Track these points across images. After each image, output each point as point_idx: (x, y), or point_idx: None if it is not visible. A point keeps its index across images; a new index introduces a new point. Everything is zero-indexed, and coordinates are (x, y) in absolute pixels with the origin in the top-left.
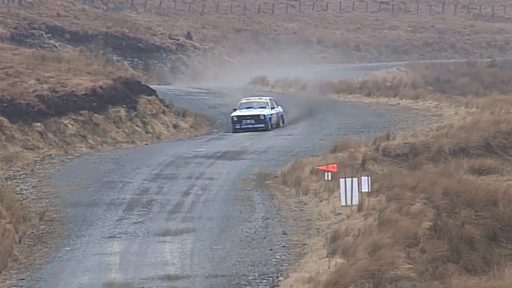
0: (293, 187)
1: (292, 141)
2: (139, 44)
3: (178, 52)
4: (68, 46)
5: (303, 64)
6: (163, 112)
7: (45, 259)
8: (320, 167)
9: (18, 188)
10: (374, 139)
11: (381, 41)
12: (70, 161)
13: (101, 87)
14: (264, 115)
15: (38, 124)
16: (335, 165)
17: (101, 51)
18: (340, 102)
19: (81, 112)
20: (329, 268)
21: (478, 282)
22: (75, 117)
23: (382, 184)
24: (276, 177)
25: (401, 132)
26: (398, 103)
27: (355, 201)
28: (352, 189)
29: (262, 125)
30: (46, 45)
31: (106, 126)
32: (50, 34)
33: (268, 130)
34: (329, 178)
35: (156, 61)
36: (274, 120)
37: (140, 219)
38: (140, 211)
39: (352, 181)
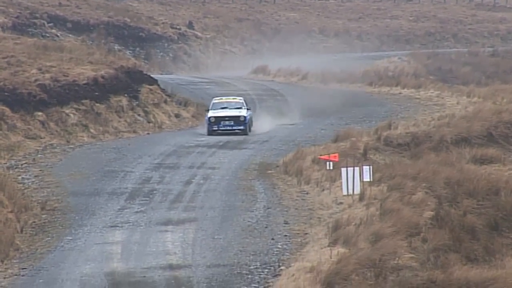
0: (295, 177)
1: (293, 131)
2: (140, 34)
3: (180, 42)
4: (70, 35)
5: (305, 54)
6: (165, 102)
7: (47, 249)
8: (322, 157)
9: (19, 178)
10: (375, 129)
11: (383, 30)
12: (72, 150)
13: (102, 77)
14: (244, 117)
15: (40, 113)
16: (336, 154)
17: (103, 41)
18: (342, 91)
19: (83, 101)
20: (330, 257)
21: (480, 272)
22: (76, 106)
23: (384, 174)
24: (277, 166)
25: (403, 122)
26: (400, 93)
27: (357, 190)
28: (354, 179)
29: (241, 127)
30: (47, 35)
31: (107, 116)
32: (51, 24)
33: (246, 134)
34: (331, 168)
35: (158, 51)
36: (249, 122)
37: (142, 209)
38: (142, 200)
39: (353, 170)
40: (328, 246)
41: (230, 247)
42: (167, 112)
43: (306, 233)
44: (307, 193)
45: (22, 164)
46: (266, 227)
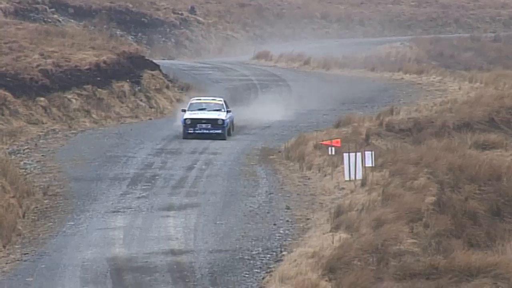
0: (297, 162)
1: (296, 116)
2: (142, 19)
3: (182, 27)
4: (72, 20)
5: (307, 39)
6: (167, 87)
7: (49, 234)
8: (324, 142)
9: (22, 163)
10: (378, 114)
11: (385, 16)
12: (74, 135)
13: (105, 62)
14: (223, 120)
15: (42, 98)
16: (338, 140)
17: (105, 26)
18: (344, 76)
19: (85, 87)
20: (332, 243)
21: (482, 257)
22: (79, 92)
23: (386, 159)
24: (280, 152)
25: (405, 107)
26: (402, 78)
27: (359, 176)
28: (356, 164)
29: (219, 131)
30: (49, 20)
31: (110, 101)
32: (53, 9)
33: (224, 139)
34: (333, 153)
35: (160, 36)
36: (229, 126)
37: (144, 194)
38: (144, 185)
39: (356, 156)
40: (330, 231)
41: (232, 232)
42: (169, 98)
43: (308, 219)
44: (309, 179)
45: (24, 150)
46: (268, 213)
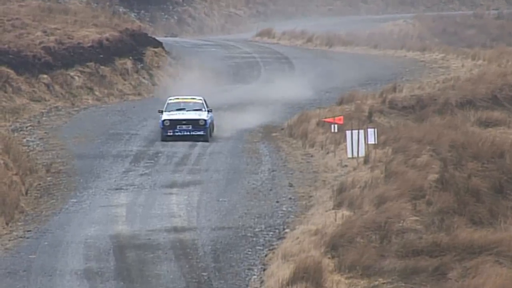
0: (300, 139)
1: (298, 93)
2: None
3: (185, 4)
4: None
5: (310, 16)
6: (170, 64)
7: (52, 211)
8: (327, 119)
9: (24, 140)
10: (380, 91)
11: None
12: (77, 113)
13: (107, 39)
14: (205, 120)
15: (45, 76)
16: (341, 117)
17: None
18: (347, 54)
19: (88, 64)
20: (335, 220)
21: (485, 234)
22: (81, 69)
23: (389, 136)
24: (282, 129)
25: (408, 84)
26: (405, 55)
27: (362, 153)
28: (359, 141)
29: (201, 133)
30: None
31: (112, 78)
32: None
33: (207, 141)
34: (336, 130)
35: (163, 13)
36: (210, 126)
37: (146, 171)
38: (147, 163)
39: (358, 133)
40: (333, 209)
41: (235, 209)
42: (171, 75)
43: (311, 196)
44: (311, 156)
45: (27, 127)
46: (270, 190)
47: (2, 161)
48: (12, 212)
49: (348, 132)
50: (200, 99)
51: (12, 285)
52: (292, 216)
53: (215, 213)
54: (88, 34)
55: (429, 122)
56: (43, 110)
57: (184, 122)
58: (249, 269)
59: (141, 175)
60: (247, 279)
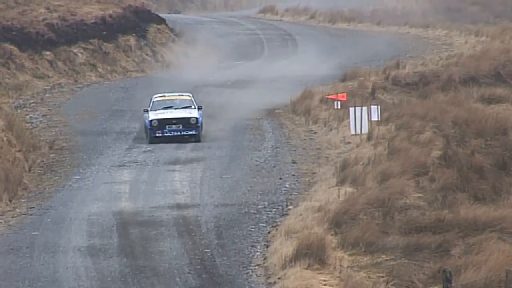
0: (303, 116)
1: (302, 70)
2: None
3: None
4: None
5: None
6: (173, 41)
7: (55, 188)
8: (330, 96)
9: (28, 117)
10: (384, 68)
11: None
12: (80, 89)
13: (110, 16)
14: (196, 118)
15: (48, 52)
16: (344, 94)
17: None
18: (350, 30)
19: (91, 40)
20: (338, 197)
21: (488, 211)
22: (84, 45)
23: (392, 113)
24: (286, 106)
25: (411, 61)
26: (408, 32)
27: (365, 130)
28: (362, 118)
29: (193, 132)
30: None
31: (115, 55)
32: None
33: (199, 141)
34: (339, 107)
35: None
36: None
37: (149, 148)
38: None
39: (361, 110)
40: (336, 185)
41: (238, 186)
42: (175, 52)
43: (314, 173)
44: (315, 133)
45: (30, 104)
46: (274, 167)
47: (5, 138)
48: (15, 189)
49: (351, 109)
50: (189, 96)
51: (15, 262)
52: (295, 193)
53: (218, 190)
54: (91, 11)
55: (432, 99)
56: (46, 87)
57: (173, 121)
58: (252, 246)
59: (144, 152)
60: (250, 255)
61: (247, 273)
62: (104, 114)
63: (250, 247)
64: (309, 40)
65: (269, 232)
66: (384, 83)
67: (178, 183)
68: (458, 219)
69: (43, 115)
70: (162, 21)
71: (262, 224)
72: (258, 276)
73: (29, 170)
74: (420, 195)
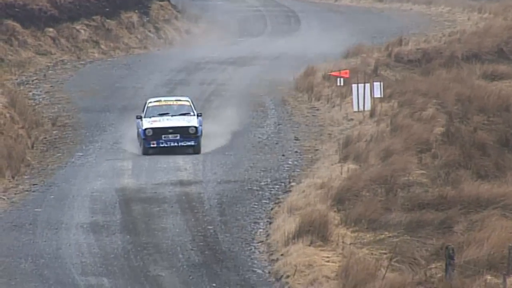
0: (306, 93)
1: (304, 47)
2: None
3: None
4: None
5: None
6: (176, 18)
7: (58, 165)
8: (333, 73)
9: (30, 94)
10: (386, 45)
11: None
12: (83, 66)
13: None
14: (196, 128)
15: (51, 29)
16: (347, 70)
17: None
18: (353, 7)
19: (94, 17)
20: (341, 173)
21: (490, 188)
22: (87, 22)
23: (395, 90)
24: (288, 82)
25: (414, 38)
26: (411, 9)
27: (367, 106)
28: (365, 95)
29: (192, 143)
30: None
31: (118, 32)
32: None
33: (198, 153)
34: (342, 84)
35: None
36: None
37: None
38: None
39: (364, 86)
40: (339, 162)
41: (241, 163)
42: (177, 29)
43: (317, 150)
44: (317, 109)
45: (33, 80)
46: (276, 143)
47: (8, 115)
48: (18, 165)
49: (354, 86)
50: (187, 101)
51: (18, 238)
52: (298, 170)
53: (221, 166)
54: None
55: (435, 76)
56: (49, 64)
57: (170, 130)
58: (255, 222)
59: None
60: (253, 232)
61: (250, 249)
62: (106, 91)
63: (252, 224)
64: (312, 17)
65: (272, 209)
66: (387, 60)
67: (181, 160)
68: (461, 195)
69: (46, 92)
70: None
71: (265, 201)
72: (260, 253)
73: (32, 147)
74: (423, 171)
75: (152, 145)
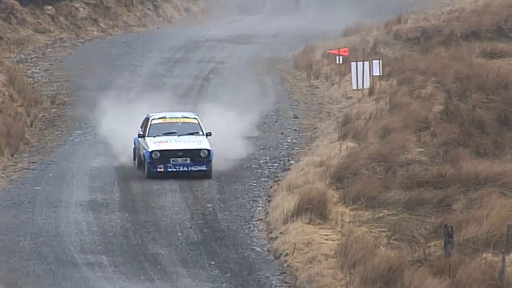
0: (304, 71)
1: (303, 25)
2: None
3: None
4: None
5: None
6: None
7: (57, 143)
8: (332, 51)
9: (29, 72)
10: (385, 23)
11: None
12: (82, 44)
13: None
14: (208, 151)
15: (50, 7)
16: (346, 48)
17: None
18: None
19: None
20: (340, 152)
21: (489, 166)
22: (86, 0)
23: (394, 68)
24: (287, 60)
25: (413, 16)
26: None
27: (366, 84)
28: (363, 73)
29: (203, 168)
30: None
31: (117, 10)
32: None
33: (209, 178)
34: (341, 62)
35: None
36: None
37: (152, 102)
38: (152, 94)
39: (363, 64)
40: (338, 140)
41: (240, 140)
42: (176, 6)
43: (316, 128)
44: (316, 88)
45: (31, 58)
46: (275, 122)
47: (7, 93)
48: (17, 143)
49: (353, 64)
50: (195, 118)
51: (17, 216)
52: (297, 148)
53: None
54: None
55: (434, 54)
56: (47, 42)
57: (180, 153)
58: (254, 200)
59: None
60: (252, 210)
61: (249, 227)
62: (105, 69)
63: (251, 202)
64: None
65: (270, 187)
66: (386, 37)
67: None
68: (459, 174)
69: (45, 70)
70: None
71: (263, 179)
72: (259, 231)
73: (31, 125)
74: (422, 150)
75: (159, 170)
